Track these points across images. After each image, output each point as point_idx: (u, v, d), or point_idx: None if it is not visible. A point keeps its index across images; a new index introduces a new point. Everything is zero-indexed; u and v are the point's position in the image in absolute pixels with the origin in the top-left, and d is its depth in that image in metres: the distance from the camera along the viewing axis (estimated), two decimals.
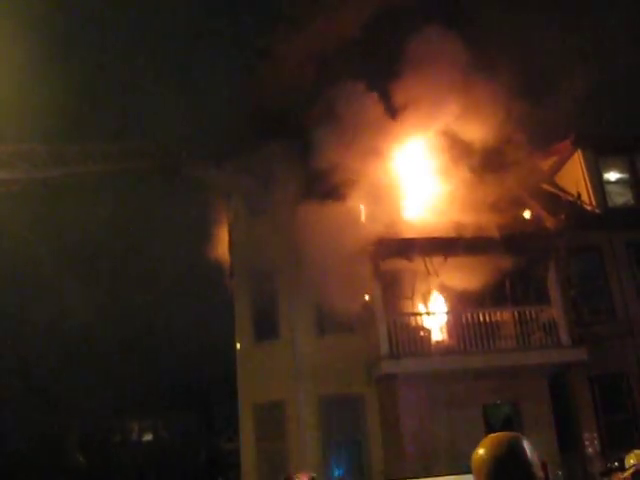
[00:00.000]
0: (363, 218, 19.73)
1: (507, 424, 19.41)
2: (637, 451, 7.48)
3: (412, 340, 18.55)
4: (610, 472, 8.04)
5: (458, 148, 19.19)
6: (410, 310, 19.45)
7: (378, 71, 19.56)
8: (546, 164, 22.50)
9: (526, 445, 2.72)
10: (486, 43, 19.46)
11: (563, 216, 20.06)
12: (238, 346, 20.99)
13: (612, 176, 21.51)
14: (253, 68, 21.88)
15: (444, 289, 19.50)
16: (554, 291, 19.10)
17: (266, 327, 20.22)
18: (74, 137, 21.73)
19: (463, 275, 18.71)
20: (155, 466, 30.45)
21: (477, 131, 18.72)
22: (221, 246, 22.61)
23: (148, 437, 37.56)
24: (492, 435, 2.83)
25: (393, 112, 19.02)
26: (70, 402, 32.17)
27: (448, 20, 19.49)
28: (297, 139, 19.77)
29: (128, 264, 31.05)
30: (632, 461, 7.40)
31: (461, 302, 19.30)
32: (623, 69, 21.61)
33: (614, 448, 17.63)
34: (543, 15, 19.79)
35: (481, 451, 2.77)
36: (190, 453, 33.91)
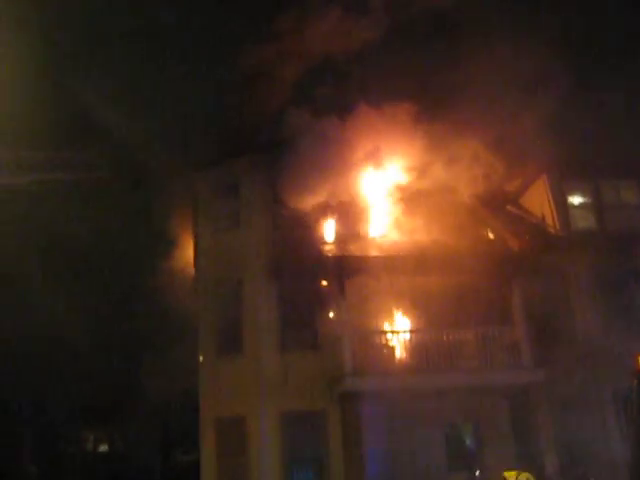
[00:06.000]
0: (331, 235, 19.83)
1: (468, 444, 19.58)
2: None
3: (376, 358, 18.56)
4: None
5: (421, 170, 19.41)
6: (374, 328, 19.46)
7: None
8: (511, 186, 22.74)
9: None
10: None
11: (527, 237, 20.30)
12: (201, 359, 20.83)
13: (576, 200, 21.80)
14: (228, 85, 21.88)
15: (409, 308, 19.58)
16: (517, 312, 19.25)
17: (230, 341, 20.10)
18: (43, 144, 21.50)
19: (428, 294, 18.82)
20: (111, 477, 29.99)
21: (440, 154, 19.00)
22: (186, 259, 22.49)
23: (104, 448, 36.99)
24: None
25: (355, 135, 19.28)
26: (23, 412, 31.63)
27: None
28: (266, 155, 19.82)
29: (90, 273, 30.63)
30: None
31: (425, 321, 19.38)
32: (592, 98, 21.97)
33: (573, 468, 17.91)
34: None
35: None
36: (146, 465, 33.44)
